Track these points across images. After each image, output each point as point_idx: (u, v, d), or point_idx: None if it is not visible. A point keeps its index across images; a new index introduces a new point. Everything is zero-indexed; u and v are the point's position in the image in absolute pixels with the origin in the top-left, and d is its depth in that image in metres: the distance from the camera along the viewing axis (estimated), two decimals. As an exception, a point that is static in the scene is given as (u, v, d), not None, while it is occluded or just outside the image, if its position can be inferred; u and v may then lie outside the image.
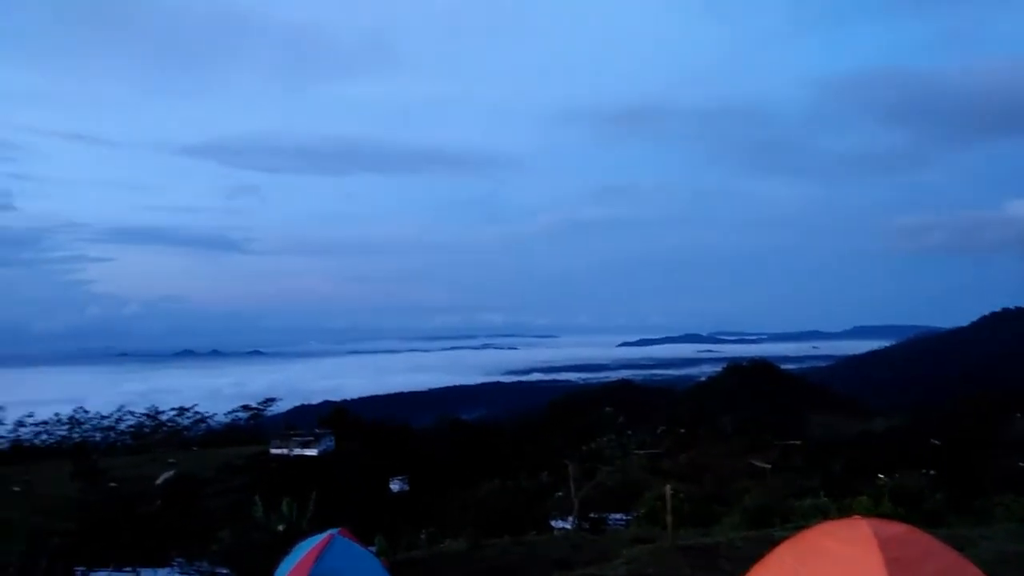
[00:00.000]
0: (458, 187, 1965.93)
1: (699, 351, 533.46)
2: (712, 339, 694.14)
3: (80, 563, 36.34)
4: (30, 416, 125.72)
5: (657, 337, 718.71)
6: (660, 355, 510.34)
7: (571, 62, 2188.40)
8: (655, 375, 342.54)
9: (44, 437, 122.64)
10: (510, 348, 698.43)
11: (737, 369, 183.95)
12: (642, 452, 77.21)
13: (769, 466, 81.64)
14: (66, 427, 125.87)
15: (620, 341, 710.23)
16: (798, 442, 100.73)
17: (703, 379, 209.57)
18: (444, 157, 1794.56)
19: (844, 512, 19.00)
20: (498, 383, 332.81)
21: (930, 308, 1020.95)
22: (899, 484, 24.95)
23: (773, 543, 6.87)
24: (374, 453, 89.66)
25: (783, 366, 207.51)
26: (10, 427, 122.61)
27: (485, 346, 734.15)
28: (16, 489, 75.41)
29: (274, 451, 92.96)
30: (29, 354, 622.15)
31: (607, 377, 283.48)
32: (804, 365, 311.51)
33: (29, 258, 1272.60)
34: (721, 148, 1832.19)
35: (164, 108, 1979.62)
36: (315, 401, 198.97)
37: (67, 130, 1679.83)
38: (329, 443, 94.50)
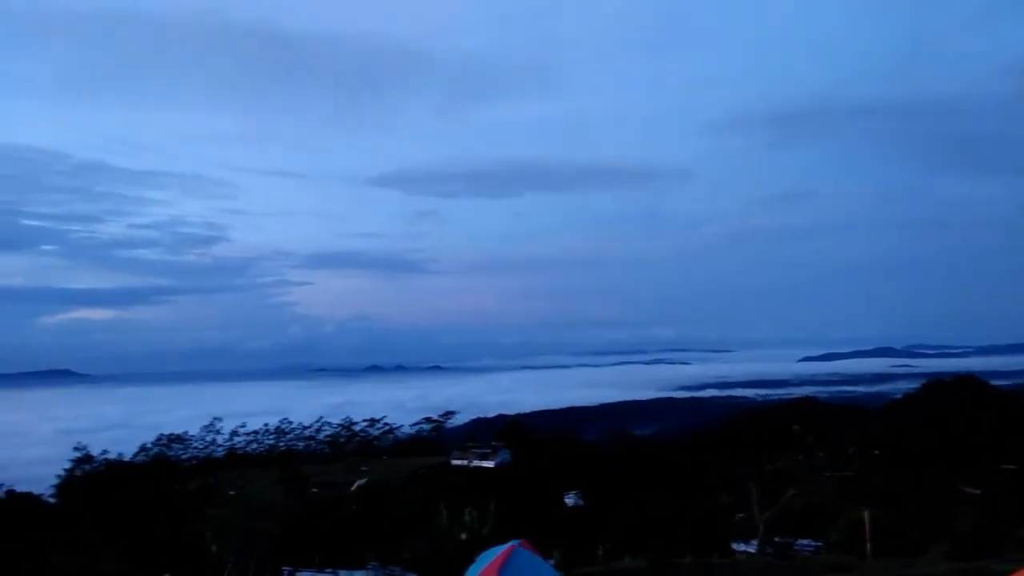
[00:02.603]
0: (624, 201, 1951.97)
1: (893, 366, 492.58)
2: (908, 353, 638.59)
3: (286, 563, 39.71)
4: (243, 426, 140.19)
5: (844, 351, 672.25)
6: (848, 370, 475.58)
7: (737, 66, 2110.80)
8: (842, 392, 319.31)
9: (254, 446, 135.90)
10: (682, 363, 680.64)
11: (938, 385, 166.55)
12: (832, 474, 72.36)
13: (979, 492, 73.57)
14: (273, 436, 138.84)
15: (802, 355, 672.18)
16: (1012, 466, 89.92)
17: (899, 397, 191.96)
18: (609, 172, 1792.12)
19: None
20: (670, 399, 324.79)
21: None
22: None
23: (991, 578, 6.28)
24: (548, 466, 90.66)
25: (993, 382, 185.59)
26: (226, 436, 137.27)
27: (656, 361, 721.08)
28: (231, 493, 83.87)
29: (454, 462, 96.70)
30: (242, 369, 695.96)
31: (788, 394, 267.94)
32: (1020, 381, 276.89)
33: (241, 284, 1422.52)
34: (909, 146, 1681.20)
35: (351, 142, 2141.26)
36: (490, 415, 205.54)
37: (270, 167, 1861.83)
38: (505, 456, 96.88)
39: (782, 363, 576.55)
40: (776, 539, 39.97)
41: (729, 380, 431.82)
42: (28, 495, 75.30)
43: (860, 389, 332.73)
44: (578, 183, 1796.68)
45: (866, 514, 16.33)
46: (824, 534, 36.30)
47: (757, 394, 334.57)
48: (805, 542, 42.98)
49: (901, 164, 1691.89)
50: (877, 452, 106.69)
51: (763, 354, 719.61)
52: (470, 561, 11.02)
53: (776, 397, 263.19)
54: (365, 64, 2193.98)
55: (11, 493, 74.25)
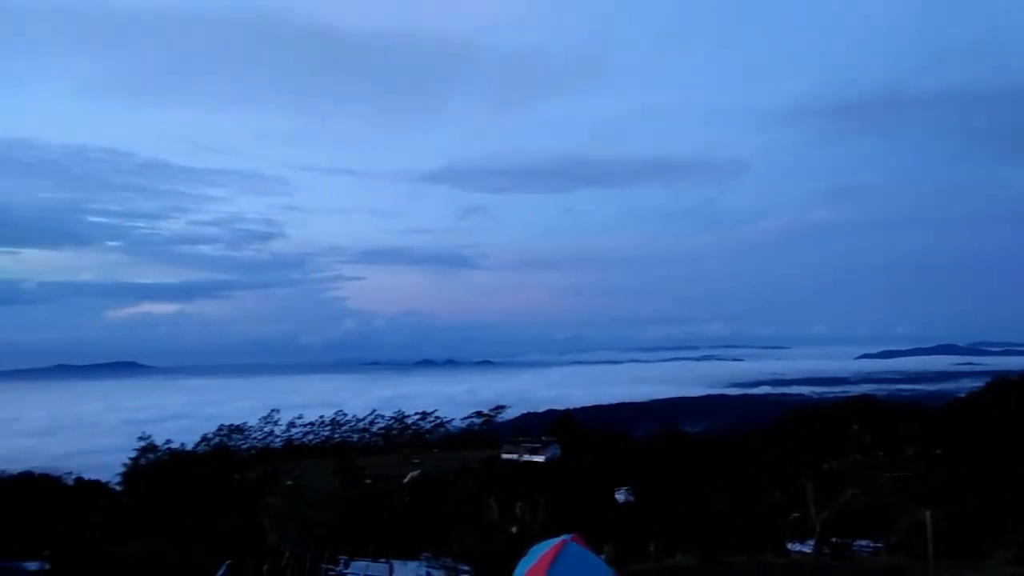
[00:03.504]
0: (677, 196, 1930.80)
1: (956, 364, 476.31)
2: (972, 350, 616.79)
3: (342, 551, 40.52)
4: (299, 418, 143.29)
5: (904, 348, 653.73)
6: (908, 368, 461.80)
7: (794, 57, 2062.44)
8: (902, 390, 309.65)
9: (311, 437, 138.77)
10: (735, 360, 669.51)
11: (1005, 384, 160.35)
12: (891, 474, 70.39)
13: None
14: (328, 428, 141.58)
15: (860, 353, 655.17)
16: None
17: (962, 395, 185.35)
18: (662, 167, 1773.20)
19: None
20: (722, 396, 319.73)
21: None
22: None
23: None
24: (599, 461, 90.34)
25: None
26: (283, 427, 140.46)
27: (707, 357, 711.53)
28: (289, 483, 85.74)
29: (505, 456, 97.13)
30: (298, 362, 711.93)
31: (846, 392, 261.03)
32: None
33: (297, 279, 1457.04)
34: (975, 136, 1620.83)
35: (403, 139, 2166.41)
36: (540, 409, 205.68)
37: (324, 165, 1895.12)
38: (555, 450, 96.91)
39: (839, 360, 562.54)
40: (833, 539, 39.12)
41: (784, 378, 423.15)
42: (96, 483, 78.73)
43: (921, 387, 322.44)
44: (630, 178, 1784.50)
45: (927, 515, 15.89)
46: (883, 535, 35.39)
47: (813, 392, 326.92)
48: (863, 543, 41.92)
49: (964, 156, 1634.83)
50: (938, 452, 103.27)
51: (820, 351, 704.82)
52: (521, 554, 11.10)
53: (833, 395, 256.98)
54: (417, 61, 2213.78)
55: (80, 480, 77.71)
